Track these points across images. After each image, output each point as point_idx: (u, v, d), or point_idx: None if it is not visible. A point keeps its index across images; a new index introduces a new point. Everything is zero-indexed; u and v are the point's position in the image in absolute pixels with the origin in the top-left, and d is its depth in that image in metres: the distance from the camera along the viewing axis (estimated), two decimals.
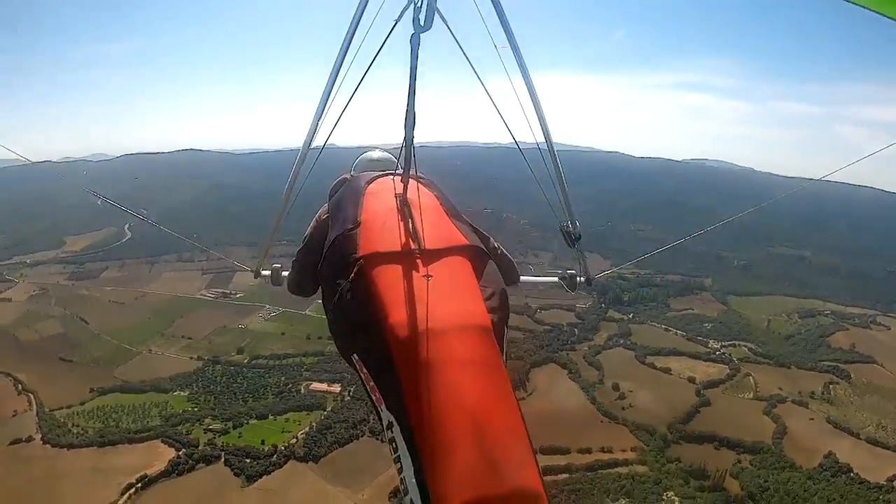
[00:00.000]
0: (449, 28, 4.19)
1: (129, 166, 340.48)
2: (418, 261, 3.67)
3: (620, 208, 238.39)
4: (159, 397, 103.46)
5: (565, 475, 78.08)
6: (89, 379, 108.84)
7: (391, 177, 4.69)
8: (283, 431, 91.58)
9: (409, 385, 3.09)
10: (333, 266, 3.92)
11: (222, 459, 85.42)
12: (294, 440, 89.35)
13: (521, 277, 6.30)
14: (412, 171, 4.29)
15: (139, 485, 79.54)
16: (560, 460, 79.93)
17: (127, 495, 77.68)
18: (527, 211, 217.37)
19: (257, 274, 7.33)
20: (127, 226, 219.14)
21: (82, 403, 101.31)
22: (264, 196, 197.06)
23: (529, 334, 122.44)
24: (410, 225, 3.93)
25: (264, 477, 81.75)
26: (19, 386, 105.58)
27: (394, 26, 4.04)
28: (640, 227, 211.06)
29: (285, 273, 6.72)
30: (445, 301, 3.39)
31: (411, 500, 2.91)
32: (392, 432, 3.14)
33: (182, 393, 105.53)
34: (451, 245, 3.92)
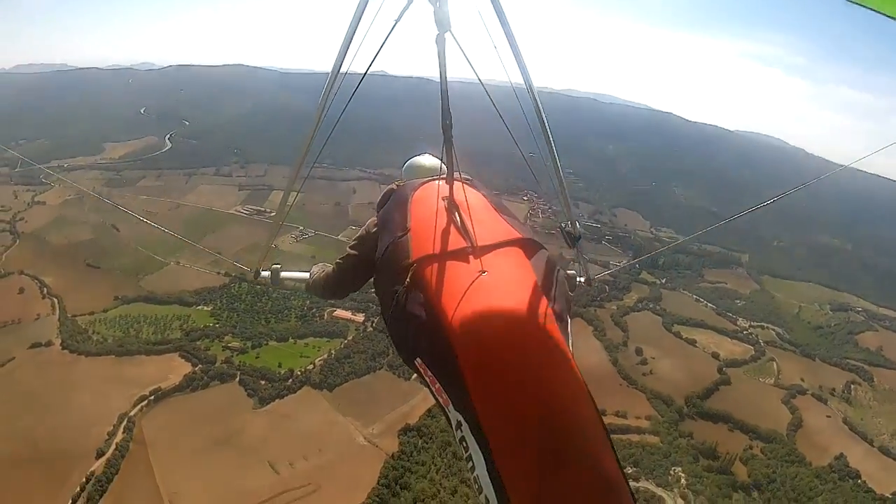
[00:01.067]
0: (454, 38, 4.01)
1: (176, 77, 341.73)
2: (472, 258, 3.64)
3: (667, 170, 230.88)
4: (182, 310, 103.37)
5: None
6: (114, 287, 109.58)
7: (435, 181, 4.59)
8: (301, 356, 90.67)
9: (474, 382, 3.03)
10: (388, 275, 3.90)
11: (237, 379, 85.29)
12: (311, 366, 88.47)
13: None
14: (456, 173, 4.35)
15: (152, 398, 79.83)
16: None
17: (139, 407, 77.85)
18: (573, 161, 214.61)
19: (257, 274, 7.24)
20: (168, 136, 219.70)
21: (105, 311, 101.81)
22: (311, 117, 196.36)
23: None
24: (460, 224, 3.93)
25: (277, 401, 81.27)
26: (45, 290, 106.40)
27: None
28: (684, 193, 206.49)
29: (284, 274, 7.05)
30: (504, 295, 3.38)
31: (486, 498, 2.83)
32: (462, 431, 3.04)
33: (205, 308, 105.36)
34: (504, 239, 3.89)
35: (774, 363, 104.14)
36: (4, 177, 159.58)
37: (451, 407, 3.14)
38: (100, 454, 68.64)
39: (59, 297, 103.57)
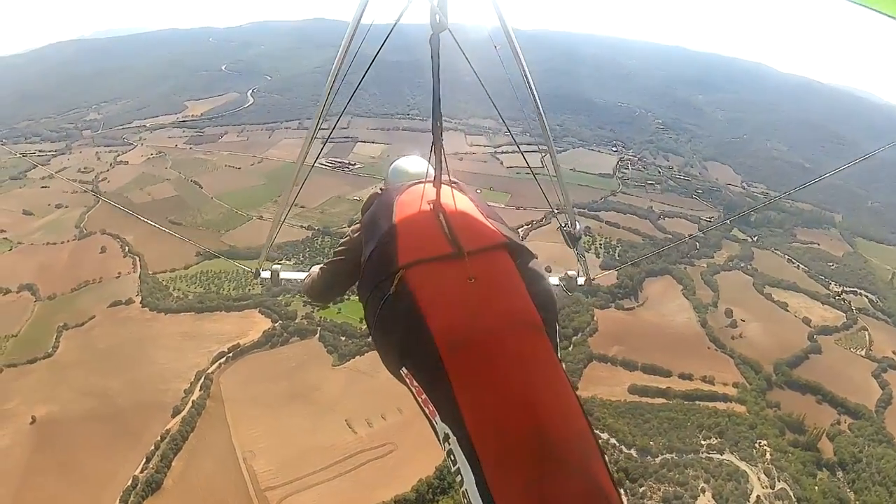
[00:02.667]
0: (457, 41, 4.18)
1: (256, 34, 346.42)
2: (459, 263, 3.59)
3: (758, 122, 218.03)
4: (265, 265, 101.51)
5: (661, 400, 75.48)
6: (197, 242, 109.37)
7: (421, 184, 4.53)
8: None
9: (462, 392, 3.00)
10: (372, 281, 3.81)
11: (317, 335, 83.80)
12: None
13: None
14: (443, 176, 4.32)
15: (230, 354, 79.31)
16: (660, 382, 78.01)
17: (217, 364, 77.50)
18: (662, 111, 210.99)
19: (257, 275, 7.37)
20: (250, 91, 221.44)
21: (186, 268, 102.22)
22: (393, 67, 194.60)
23: (649, 240, 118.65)
24: (447, 229, 3.86)
25: (356, 357, 79.18)
26: (126, 248, 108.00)
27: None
28: (775, 147, 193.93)
29: (284, 275, 7.19)
30: (492, 301, 3.38)
31: None
32: (449, 444, 2.99)
33: (288, 262, 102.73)
34: (491, 244, 3.85)
35: (867, 333, 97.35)
36: (87, 139, 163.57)
37: (437, 418, 3.07)
38: (176, 412, 68.73)
39: (140, 255, 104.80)
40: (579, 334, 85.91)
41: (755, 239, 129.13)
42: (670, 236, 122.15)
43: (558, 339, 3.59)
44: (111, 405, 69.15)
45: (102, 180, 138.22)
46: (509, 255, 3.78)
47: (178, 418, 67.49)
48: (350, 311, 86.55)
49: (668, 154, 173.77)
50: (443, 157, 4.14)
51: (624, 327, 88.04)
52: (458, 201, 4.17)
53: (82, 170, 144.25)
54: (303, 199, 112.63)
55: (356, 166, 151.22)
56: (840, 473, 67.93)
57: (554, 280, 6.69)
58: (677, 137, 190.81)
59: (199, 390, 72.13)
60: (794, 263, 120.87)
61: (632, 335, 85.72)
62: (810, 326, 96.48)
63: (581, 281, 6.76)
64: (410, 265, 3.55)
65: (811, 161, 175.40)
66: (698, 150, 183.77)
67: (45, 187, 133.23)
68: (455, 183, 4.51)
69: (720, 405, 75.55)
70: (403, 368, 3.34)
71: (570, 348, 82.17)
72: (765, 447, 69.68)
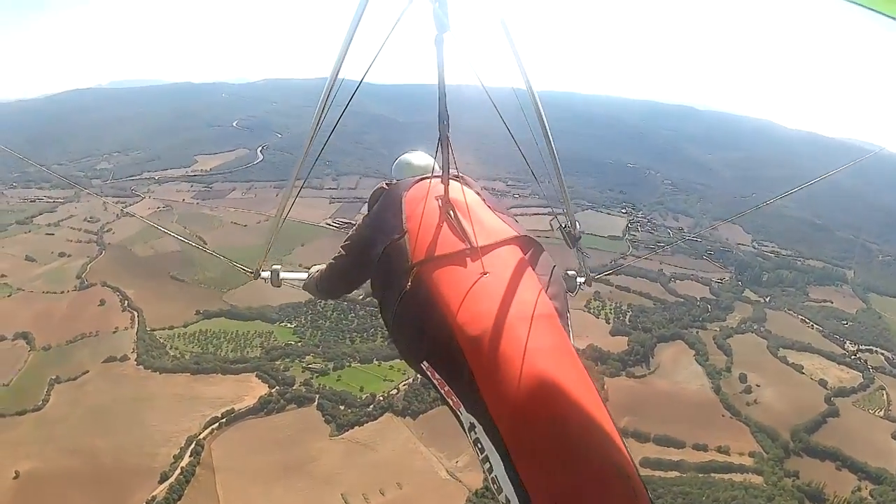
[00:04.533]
0: (455, 39, 4.03)
1: (269, 90, 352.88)
2: (472, 259, 3.71)
3: (766, 179, 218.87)
4: (265, 326, 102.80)
5: (675, 473, 74.64)
6: (197, 300, 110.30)
7: (428, 180, 4.54)
8: (384, 379, 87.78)
9: (485, 382, 3.07)
10: (387, 278, 3.94)
11: (315, 403, 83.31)
12: (395, 391, 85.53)
13: None
14: (451, 171, 4.41)
15: (223, 420, 78.77)
16: (673, 454, 77.49)
17: (209, 429, 76.94)
18: (671, 171, 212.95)
19: (257, 275, 7.07)
20: (259, 148, 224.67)
21: (185, 325, 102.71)
22: (402, 127, 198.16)
23: (660, 304, 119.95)
24: (457, 224, 3.98)
25: (356, 427, 78.83)
26: (125, 302, 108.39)
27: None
28: (785, 204, 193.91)
29: (284, 275, 6.95)
30: (507, 294, 3.46)
31: (507, 498, 2.88)
32: (475, 433, 3.09)
33: (289, 325, 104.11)
34: (502, 238, 3.97)
35: (885, 393, 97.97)
36: (96, 189, 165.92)
37: (462, 409, 3.17)
38: (164, 478, 67.94)
39: (138, 310, 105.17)
40: None
41: (767, 299, 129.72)
42: (681, 300, 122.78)
43: (570, 327, 3.73)
44: (97, 466, 68.54)
45: (108, 231, 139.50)
46: (520, 248, 3.97)
47: (166, 485, 66.72)
48: (350, 378, 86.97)
49: (678, 215, 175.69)
50: (450, 152, 4.27)
51: (635, 397, 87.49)
52: (467, 196, 4.34)
53: (88, 219, 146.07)
54: (308, 259, 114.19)
55: None
56: None
57: (571, 272, 6.71)
58: (687, 198, 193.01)
59: (190, 456, 71.41)
60: (807, 323, 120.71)
61: (644, 405, 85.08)
62: (827, 388, 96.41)
63: (581, 280, 6.83)
64: (425, 262, 3.72)
65: (821, 217, 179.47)
66: (708, 210, 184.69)
67: (51, 234, 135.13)
68: (461, 177, 4.70)
69: (736, 476, 74.97)
70: (425, 363, 3.48)
71: None
72: None
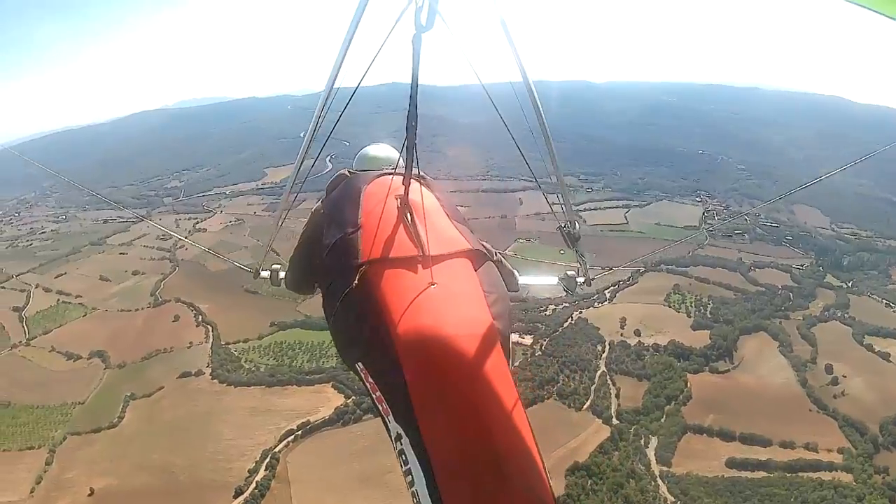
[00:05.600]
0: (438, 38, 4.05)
1: (336, 100, 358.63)
2: (422, 267, 3.72)
3: (837, 158, 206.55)
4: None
5: (762, 473, 72.10)
6: (272, 312, 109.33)
7: (390, 176, 4.60)
8: None
9: (418, 396, 3.13)
10: (334, 271, 3.93)
11: None
12: None
13: (519, 280, 5.84)
14: (413, 172, 4.32)
15: (299, 432, 77.79)
16: (759, 453, 74.83)
17: (285, 442, 76.06)
18: (743, 155, 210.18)
19: (256, 275, 7.62)
20: (328, 157, 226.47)
21: (260, 338, 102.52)
22: (465, 129, 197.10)
23: (741, 295, 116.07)
24: (412, 228, 3.99)
25: None
26: (199, 317, 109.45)
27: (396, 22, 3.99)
28: (860, 182, 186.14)
29: (283, 274, 7.15)
30: (452, 308, 3.49)
31: None
32: (401, 444, 3.14)
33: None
34: (454, 250, 3.99)
35: None
36: (168, 206, 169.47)
37: (391, 417, 3.19)
38: (238, 492, 67.40)
39: (213, 325, 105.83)
40: (672, 403, 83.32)
41: (850, 284, 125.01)
42: (762, 288, 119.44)
43: (511, 349, 3.67)
44: (172, 482, 68.69)
45: (180, 248, 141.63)
46: (470, 262, 3.91)
47: (241, 500, 66.31)
48: None
49: (754, 200, 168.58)
50: (414, 152, 4.02)
51: (719, 393, 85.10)
52: (426, 199, 4.23)
53: (161, 237, 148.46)
54: None
55: None
56: None
57: (552, 280, 6.94)
58: (760, 182, 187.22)
59: (265, 470, 70.85)
60: (892, 307, 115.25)
61: (728, 401, 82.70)
62: None
63: (581, 280, 6.83)
64: (374, 262, 3.63)
65: None
66: (781, 193, 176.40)
67: (124, 254, 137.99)
68: (423, 178, 4.51)
69: (825, 475, 72.00)
70: (360, 364, 3.41)
71: (662, 419, 79.97)
72: None
